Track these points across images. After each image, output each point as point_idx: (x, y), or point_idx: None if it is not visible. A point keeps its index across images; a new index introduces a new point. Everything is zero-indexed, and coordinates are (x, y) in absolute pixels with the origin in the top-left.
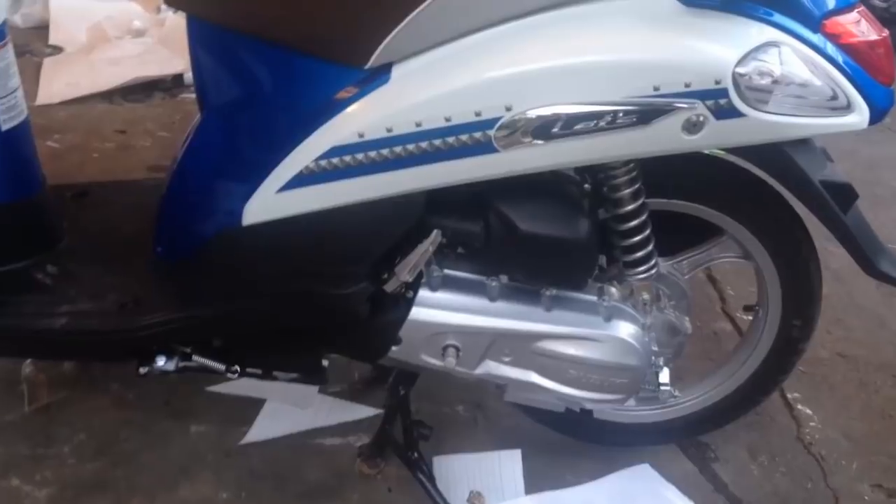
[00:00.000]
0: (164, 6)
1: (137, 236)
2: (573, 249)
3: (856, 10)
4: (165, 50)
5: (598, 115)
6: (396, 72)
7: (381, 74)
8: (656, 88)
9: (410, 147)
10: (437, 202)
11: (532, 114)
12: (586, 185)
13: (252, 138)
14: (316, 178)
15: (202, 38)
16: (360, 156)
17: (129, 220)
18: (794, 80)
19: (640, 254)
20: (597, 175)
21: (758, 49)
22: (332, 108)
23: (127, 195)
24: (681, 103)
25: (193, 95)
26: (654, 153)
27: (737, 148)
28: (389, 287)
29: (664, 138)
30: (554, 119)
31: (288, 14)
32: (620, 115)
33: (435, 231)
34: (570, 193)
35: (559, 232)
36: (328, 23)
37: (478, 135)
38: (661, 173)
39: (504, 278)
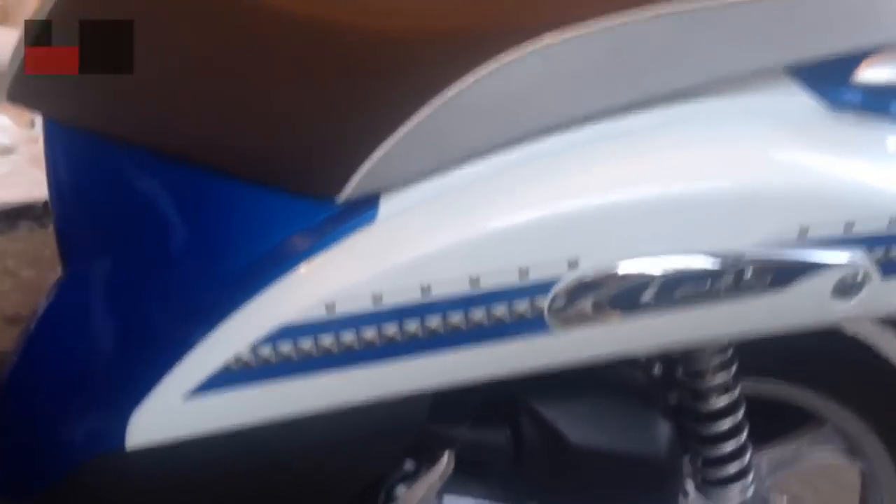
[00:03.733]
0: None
1: None
2: (650, 471)
3: None
4: (37, 171)
5: (712, 275)
6: (386, 206)
7: (361, 211)
8: (803, 231)
9: (411, 326)
10: (443, 402)
11: (610, 272)
12: (654, 370)
13: (145, 310)
14: (252, 376)
15: (70, 152)
16: (327, 339)
17: None
18: None
19: (734, 469)
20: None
21: None
22: (282, 262)
23: None
24: (838, 257)
25: None
26: (786, 330)
27: None
28: None
29: (806, 307)
30: (644, 281)
31: (218, 131)
32: (748, 274)
33: (446, 453)
34: (637, 384)
35: (630, 445)
36: (281, 139)
37: (522, 306)
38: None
39: None
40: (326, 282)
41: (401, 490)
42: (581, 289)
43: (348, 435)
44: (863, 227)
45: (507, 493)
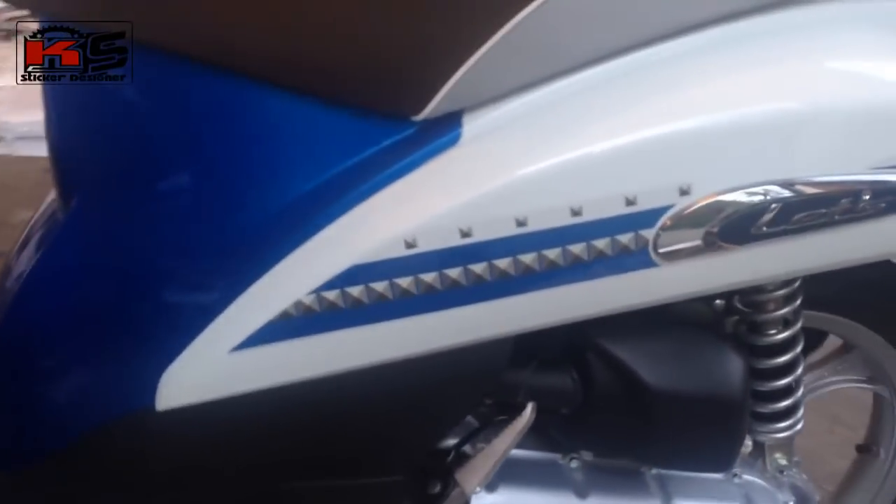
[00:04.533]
0: None
1: None
2: (725, 412)
3: None
4: None
5: (830, 200)
6: (470, 126)
7: (443, 131)
8: None
9: (502, 264)
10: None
11: (726, 199)
12: (717, 301)
13: (183, 250)
14: (315, 324)
15: None
16: (405, 281)
17: None
18: None
19: (787, 402)
20: None
21: None
22: (353, 191)
23: None
24: None
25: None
26: (889, 255)
27: None
28: None
29: None
30: (761, 207)
31: (292, 45)
32: (866, 196)
33: (529, 406)
34: (704, 319)
35: (706, 386)
36: (362, 54)
37: (626, 238)
38: None
39: (588, 455)
40: (407, 214)
41: (470, 449)
42: (692, 218)
43: (425, 387)
44: None
45: (559, 442)
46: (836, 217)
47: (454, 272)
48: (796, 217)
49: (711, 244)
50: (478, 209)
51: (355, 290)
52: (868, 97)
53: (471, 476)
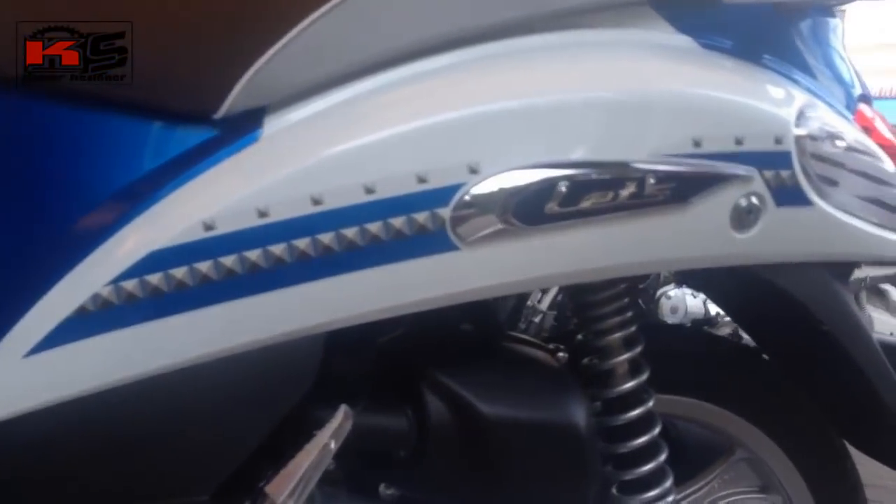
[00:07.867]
0: None
1: None
2: (568, 445)
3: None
4: None
5: (616, 182)
6: (272, 123)
7: (244, 131)
8: (697, 143)
9: (302, 244)
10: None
11: (513, 178)
12: (560, 354)
13: None
14: (113, 319)
15: None
16: (205, 265)
17: None
18: (870, 154)
19: (650, 465)
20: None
21: (804, 111)
22: (152, 190)
23: None
24: (731, 169)
25: None
26: (691, 261)
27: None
28: None
29: (706, 232)
30: (549, 186)
31: None
32: (650, 181)
33: (342, 407)
34: (544, 359)
35: (546, 414)
36: (156, 55)
37: (422, 217)
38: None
39: None
40: (205, 200)
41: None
42: (484, 198)
43: (220, 397)
44: (752, 145)
45: None
46: (624, 200)
47: (254, 254)
48: (586, 200)
49: (508, 224)
50: (273, 189)
51: (154, 278)
52: (643, 90)
53: (281, 487)
